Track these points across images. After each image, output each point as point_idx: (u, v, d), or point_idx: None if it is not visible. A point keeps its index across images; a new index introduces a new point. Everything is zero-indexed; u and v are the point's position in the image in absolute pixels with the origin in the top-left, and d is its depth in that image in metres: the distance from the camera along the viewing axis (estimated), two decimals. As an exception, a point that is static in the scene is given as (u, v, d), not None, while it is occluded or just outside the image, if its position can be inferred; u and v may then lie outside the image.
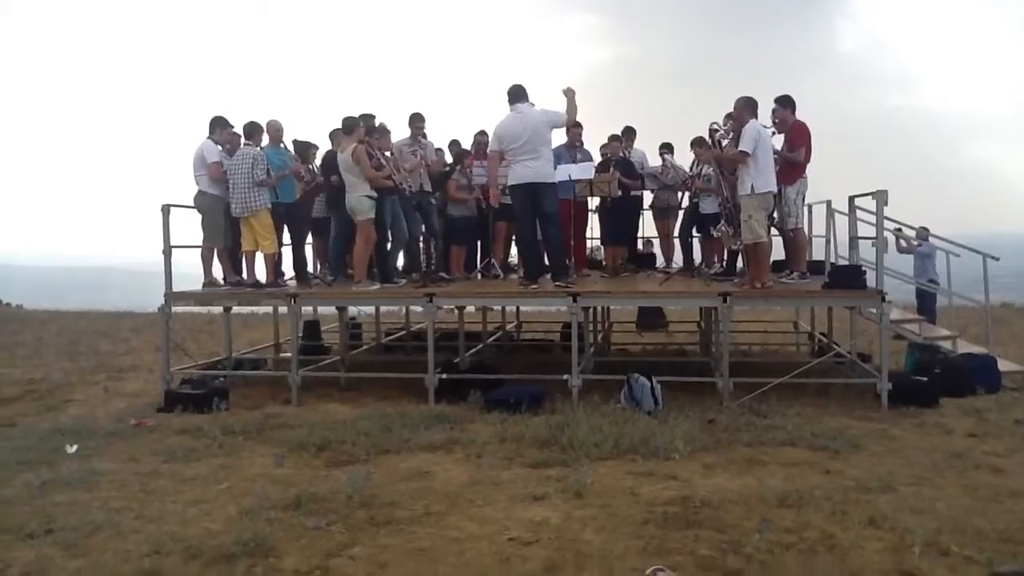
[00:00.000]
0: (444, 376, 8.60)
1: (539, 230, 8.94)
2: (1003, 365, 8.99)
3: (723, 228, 9.00)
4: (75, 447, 6.70)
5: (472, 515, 4.96)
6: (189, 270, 10.20)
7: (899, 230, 11.15)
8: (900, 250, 11.38)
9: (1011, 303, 17.39)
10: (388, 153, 9.63)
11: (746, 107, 8.41)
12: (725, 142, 9.01)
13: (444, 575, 4.16)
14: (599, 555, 4.31)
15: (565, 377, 8.20)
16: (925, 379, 8.35)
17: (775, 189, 8.46)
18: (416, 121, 10.36)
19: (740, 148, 8.19)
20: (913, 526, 4.45)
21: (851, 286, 8.37)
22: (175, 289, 9.31)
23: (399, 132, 10.23)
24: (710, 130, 9.29)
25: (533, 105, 8.74)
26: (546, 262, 9.27)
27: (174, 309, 9.35)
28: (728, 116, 9.07)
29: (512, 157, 8.72)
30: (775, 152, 8.56)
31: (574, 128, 10.65)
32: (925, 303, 11.45)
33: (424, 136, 10.49)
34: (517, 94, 8.76)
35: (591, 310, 10.52)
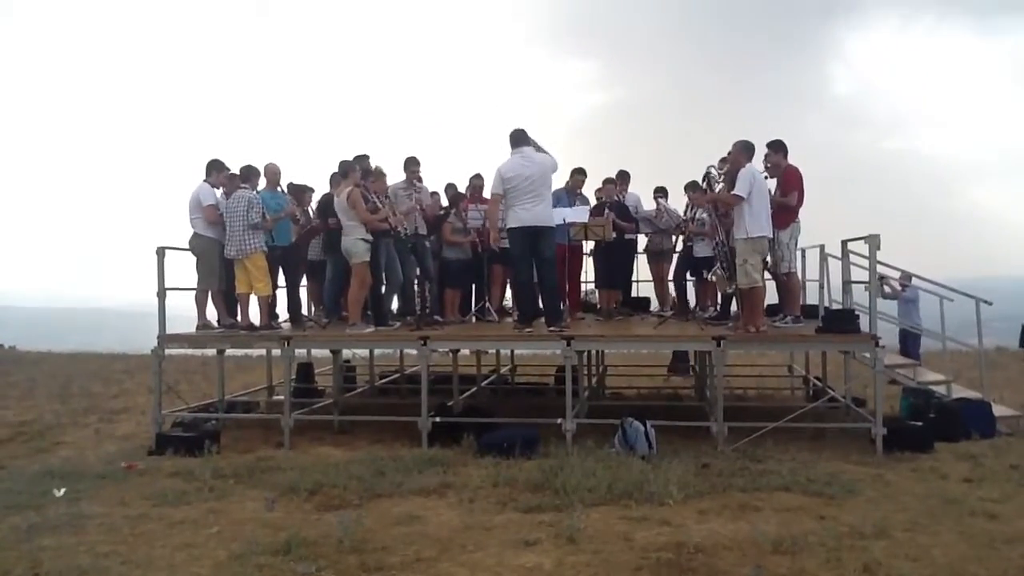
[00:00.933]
0: (438, 419, 8.56)
1: (535, 273, 8.94)
2: (998, 410, 8.98)
3: (718, 272, 9.03)
4: (63, 490, 6.65)
5: (464, 561, 4.92)
6: (183, 312, 10.19)
7: (883, 276, 11.21)
8: (884, 296, 11.42)
9: (1005, 347, 17.39)
10: (383, 196, 9.68)
11: (743, 151, 8.48)
12: (718, 186, 9.08)
13: (435, 622, 4.11)
14: (592, 602, 4.27)
15: (559, 421, 8.16)
16: (920, 424, 8.34)
17: (770, 234, 8.50)
18: (411, 165, 10.42)
19: (735, 191, 8.24)
20: (908, 573, 4.42)
21: (845, 330, 8.38)
22: (169, 331, 9.29)
23: (395, 175, 10.30)
24: (705, 173, 9.36)
25: (539, 149, 8.77)
26: (540, 306, 9.26)
27: (167, 351, 9.33)
28: (723, 160, 9.16)
29: (513, 200, 8.69)
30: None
31: (578, 176, 10.70)
32: (909, 346, 11.46)
33: (419, 179, 10.54)
34: (519, 138, 8.76)
35: (585, 354, 10.50)
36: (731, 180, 8.51)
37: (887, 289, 11.69)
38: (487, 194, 10.86)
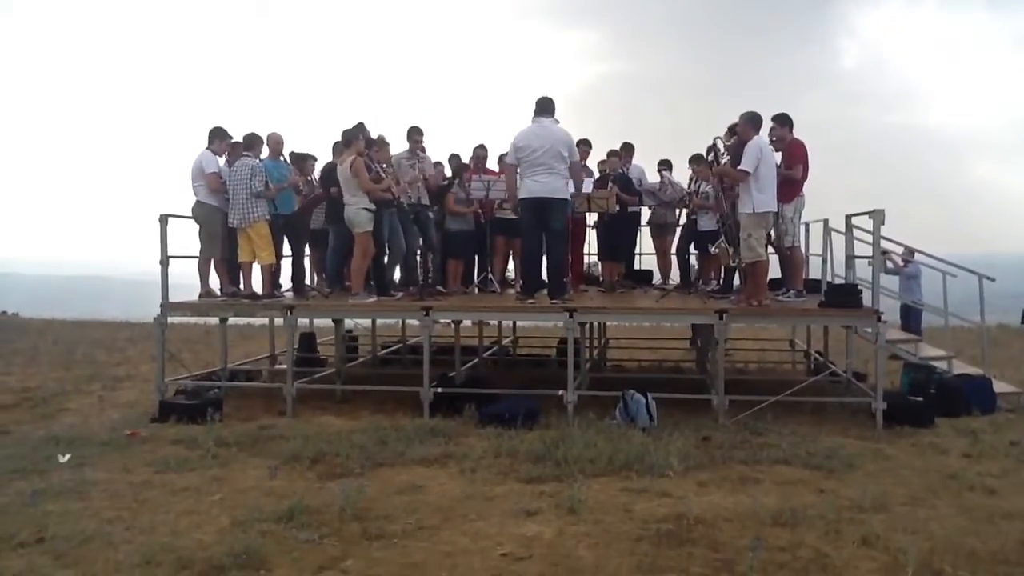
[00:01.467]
0: (439, 390, 8.59)
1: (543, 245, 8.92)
2: (998, 386, 9.00)
3: (722, 245, 9.01)
4: (67, 456, 6.69)
5: (465, 530, 4.96)
6: (186, 280, 10.19)
7: (885, 251, 11.19)
8: (887, 271, 11.41)
9: (1007, 324, 17.40)
10: (386, 165, 9.65)
11: (750, 122, 8.43)
12: (724, 158, 9.04)
13: (436, 590, 4.15)
14: (592, 572, 4.31)
15: (560, 393, 8.18)
16: (920, 399, 8.35)
17: (775, 208, 8.47)
18: (414, 134, 10.38)
19: (741, 167, 8.19)
20: (907, 546, 4.44)
21: (847, 305, 8.37)
22: (172, 299, 9.30)
23: (398, 145, 10.27)
24: (711, 145, 9.31)
25: (557, 122, 8.66)
26: (544, 278, 9.26)
27: (170, 319, 9.34)
28: (729, 132, 9.11)
29: (525, 170, 8.64)
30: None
31: (582, 147, 10.66)
32: (911, 322, 11.47)
33: (423, 149, 10.50)
34: (543, 107, 8.65)
35: (587, 326, 10.51)
36: (737, 153, 8.47)
37: (889, 264, 11.68)
38: (492, 164, 10.84)
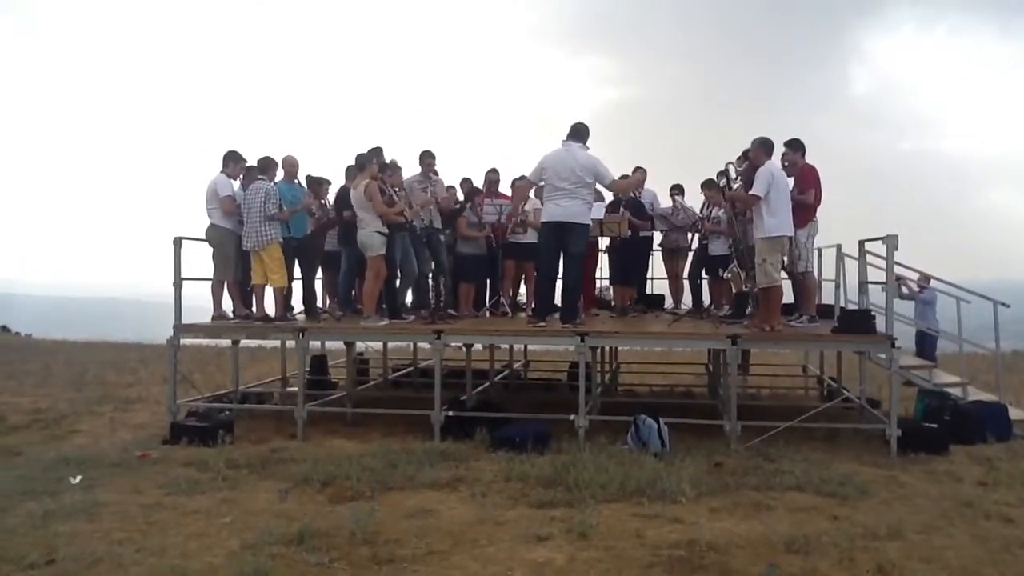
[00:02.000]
0: (450, 413, 8.57)
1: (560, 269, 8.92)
2: (1014, 413, 8.91)
3: (734, 270, 9.00)
4: (79, 478, 6.69)
5: (476, 555, 4.93)
6: (198, 302, 10.22)
7: (900, 277, 11.15)
8: (902, 296, 11.37)
9: (1022, 350, 17.26)
10: (399, 189, 9.69)
11: (762, 147, 8.45)
12: (736, 184, 9.04)
13: (446, 615, 4.12)
14: (603, 598, 4.26)
15: (572, 417, 8.15)
16: (935, 426, 8.28)
17: (791, 233, 8.45)
18: (427, 158, 10.43)
19: (753, 191, 8.20)
20: (922, 575, 4.39)
21: (861, 331, 8.33)
22: (185, 321, 9.33)
23: (410, 169, 10.32)
24: (723, 170, 9.31)
25: (587, 148, 8.63)
26: (557, 302, 9.25)
27: (182, 341, 9.37)
28: (741, 156, 9.12)
29: (547, 193, 8.64)
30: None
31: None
32: (926, 348, 11.40)
33: (435, 173, 10.55)
34: (576, 132, 8.64)
35: (599, 350, 10.49)
36: (749, 178, 8.47)
37: (904, 290, 11.64)
38: (504, 188, 10.87)
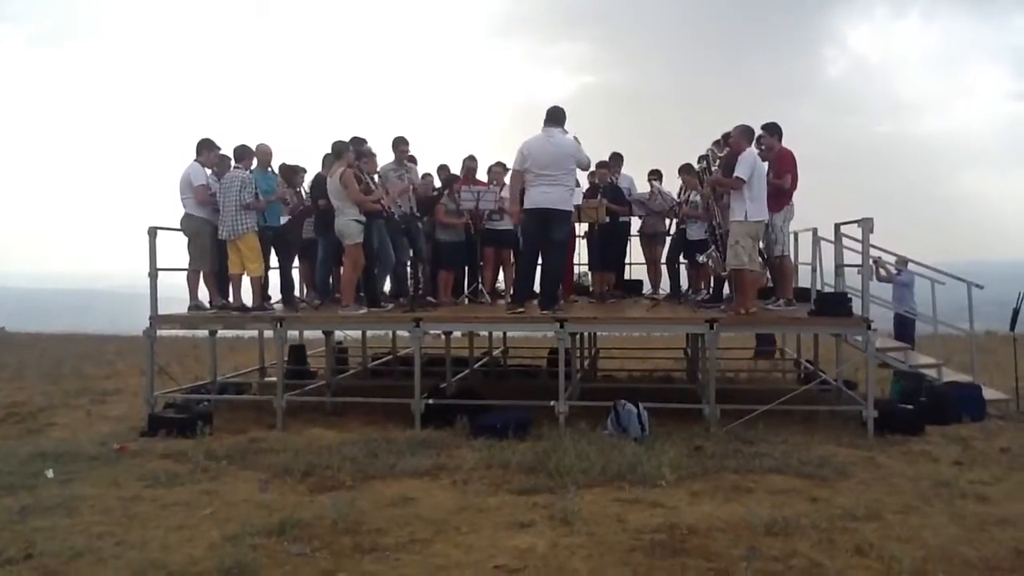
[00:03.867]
0: (430, 401, 8.56)
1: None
2: (988, 393, 9.02)
3: (712, 254, 9.03)
4: (51, 472, 6.61)
5: (458, 542, 4.93)
6: (175, 293, 10.13)
7: (878, 259, 11.23)
8: (879, 279, 11.47)
9: (995, 331, 17.47)
10: (376, 177, 9.64)
11: (743, 134, 8.47)
12: (716, 169, 9.07)
13: (429, 603, 4.12)
14: (586, 583, 4.28)
15: (552, 403, 8.17)
16: (911, 407, 8.38)
17: (767, 219, 8.50)
18: (400, 144, 10.35)
19: (737, 175, 8.22)
20: (900, 555, 4.44)
21: (837, 313, 8.40)
22: (161, 312, 9.25)
23: (385, 156, 10.26)
24: (703, 155, 9.33)
25: (566, 133, 8.61)
26: (536, 289, 9.24)
27: (159, 332, 9.29)
28: (716, 143, 9.15)
29: (530, 180, 8.58)
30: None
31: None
32: (904, 331, 11.51)
33: (410, 159, 10.50)
34: (554, 117, 8.60)
35: (578, 336, 10.50)
36: (728, 164, 8.50)
37: (882, 272, 11.74)
38: (482, 175, 10.82)
